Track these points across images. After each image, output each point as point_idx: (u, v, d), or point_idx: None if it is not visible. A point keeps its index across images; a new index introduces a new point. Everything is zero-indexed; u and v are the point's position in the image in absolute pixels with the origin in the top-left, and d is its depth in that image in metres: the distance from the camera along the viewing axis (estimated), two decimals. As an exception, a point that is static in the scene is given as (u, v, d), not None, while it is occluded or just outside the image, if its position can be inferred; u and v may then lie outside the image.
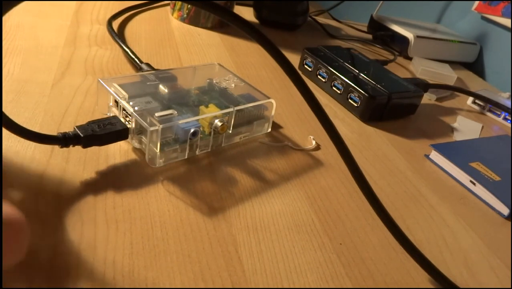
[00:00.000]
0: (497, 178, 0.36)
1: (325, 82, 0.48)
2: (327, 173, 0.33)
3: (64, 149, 0.28)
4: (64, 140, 0.26)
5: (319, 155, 0.35)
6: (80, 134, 0.26)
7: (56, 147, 0.28)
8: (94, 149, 0.29)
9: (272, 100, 0.35)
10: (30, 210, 0.23)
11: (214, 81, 0.37)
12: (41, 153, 0.27)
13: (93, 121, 0.27)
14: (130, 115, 0.29)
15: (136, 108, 0.29)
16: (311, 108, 0.25)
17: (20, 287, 0.19)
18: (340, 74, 0.46)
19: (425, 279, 0.26)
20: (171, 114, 0.29)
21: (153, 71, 0.35)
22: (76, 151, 0.28)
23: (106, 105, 0.31)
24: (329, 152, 0.36)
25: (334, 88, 0.46)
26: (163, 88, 0.33)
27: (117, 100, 0.29)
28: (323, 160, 0.35)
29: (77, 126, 0.27)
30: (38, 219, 0.22)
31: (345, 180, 0.33)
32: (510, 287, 0.27)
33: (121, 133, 0.28)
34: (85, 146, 0.27)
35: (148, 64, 0.40)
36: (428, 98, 0.54)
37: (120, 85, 0.31)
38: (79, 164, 0.27)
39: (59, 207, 0.24)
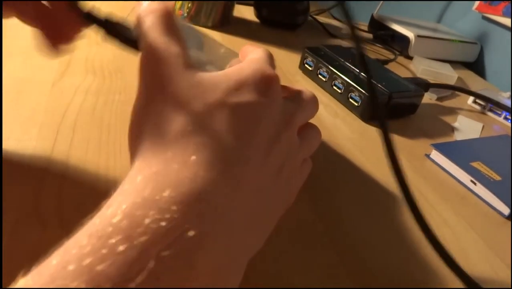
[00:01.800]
0: (498, 178, 0.36)
1: (325, 81, 0.48)
2: (327, 171, 0.33)
3: (65, 146, 0.28)
4: (91, 16, 0.23)
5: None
6: (108, 19, 0.24)
7: (56, 148, 0.28)
8: (95, 143, 0.29)
9: None
10: (30, 213, 0.23)
11: None
12: (41, 151, 0.27)
13: (125, 25, 0.25)
14: None
15: None
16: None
17: None
18: (341, 73, 0.46)
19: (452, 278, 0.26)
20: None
21: (185, 22, 0.31)
22: (77, 146, 0.28)
23: None
24: (327, 151, 0.36)
25: (334, 87, 0.46)
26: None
27: None
28: (323, 158, 0.35)
29: (106, 17, 0.24)
30: (38, 221, 0.22)
31: (346, 181, 0.33)
32: (510, 287, 0.27)
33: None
34: (108, 31, 0.24)
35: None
36: (428, 97, 0.54)
37: None
38: (79, 165, 0.27)
39: (60, 206, 0.24)
